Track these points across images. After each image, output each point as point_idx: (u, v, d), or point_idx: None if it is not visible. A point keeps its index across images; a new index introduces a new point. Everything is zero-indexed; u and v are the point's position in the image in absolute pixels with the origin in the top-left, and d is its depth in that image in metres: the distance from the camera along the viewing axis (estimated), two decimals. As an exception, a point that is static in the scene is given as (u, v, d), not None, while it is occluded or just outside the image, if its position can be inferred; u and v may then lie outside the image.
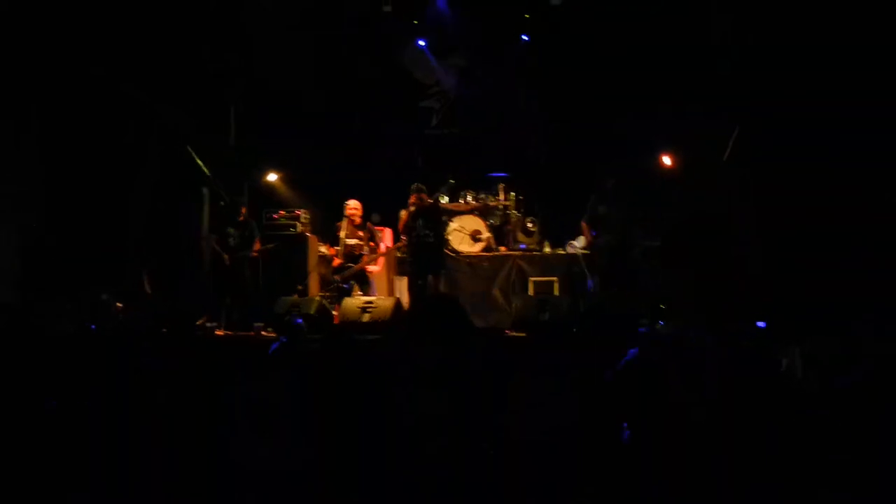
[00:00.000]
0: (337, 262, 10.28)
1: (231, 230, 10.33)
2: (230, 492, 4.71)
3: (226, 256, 10.20)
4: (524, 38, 13.09)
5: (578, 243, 11.08)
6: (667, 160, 11.20)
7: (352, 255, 10.26)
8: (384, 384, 3.26)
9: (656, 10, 11.19)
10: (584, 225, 10.30)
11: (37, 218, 10.18)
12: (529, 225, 11.81)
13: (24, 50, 9.96)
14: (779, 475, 3.52)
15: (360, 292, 10.16)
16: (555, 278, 10.69)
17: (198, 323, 9.40)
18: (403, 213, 10.02)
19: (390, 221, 11.06)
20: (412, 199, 9.92)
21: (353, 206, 10.29)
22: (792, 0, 9.76)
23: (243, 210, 10.53)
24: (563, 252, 11.34)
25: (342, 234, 10.25)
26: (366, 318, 9.16)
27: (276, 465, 4.74)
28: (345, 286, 10.22)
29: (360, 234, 10.33)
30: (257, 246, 10.44)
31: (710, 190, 10.47)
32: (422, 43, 13.38)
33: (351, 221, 10.28)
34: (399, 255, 11.05)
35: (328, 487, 3.36)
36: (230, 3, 11.53)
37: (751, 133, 9.96)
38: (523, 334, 8.83)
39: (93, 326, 7.04)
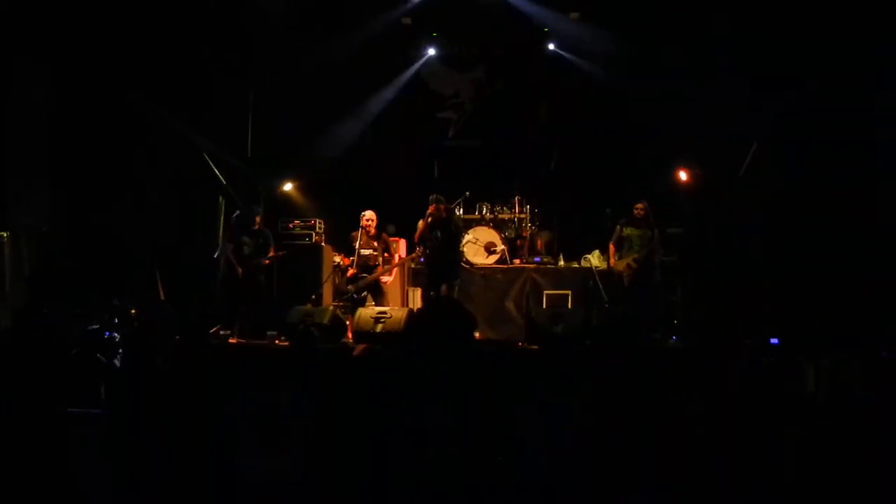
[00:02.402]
0: (351, 272, 10.26)
1: (246, 238, 10.36)
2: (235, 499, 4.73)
3: (237, 266, 10.21)
4: (550, 47, 13.12)
5: (593, 258, 11.09)
6: (683, 175, 11.18)
7: (366, 266, 10.24)
8: (390, 394, 3.26)
9: (672, 20, 11.21)
10: (611, 246, 10.33)
11: (47, 222, 10.22)
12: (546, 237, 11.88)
13: (40, 53, 10.05)
14: (780, 486, 3.50)
15: (373, 302, 10.16)
16: (568, 291, 10.66)
17: (211, 331, 9.42)
18: (421, 223, 10.03)
19: (405, 232, 11.07)
20: (430, 209, 9.93)
21: (368, 216, 10.27)
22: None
23: (258, 219, 10.55)
24: (577, 265, 11.35)
25: (357, 244, 10.23)
26: (379, 328, 9.14)
27: (280, 476, 4.75)
28: (356, 297, 10.19)
29: (375, 244, 10.31)
30: (272, 251, 10.46)
31: (727, 204, 10.44)
32: (438, 53, 13.43)
33: (366, 232, 10.26)
34: (413, 265, 11.05)
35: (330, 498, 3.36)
36: (245, 12, 11.59)
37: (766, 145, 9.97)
38: (536, 347, 8.80)
39: (107, 333, 7.06)
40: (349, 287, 10.24)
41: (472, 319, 3.41)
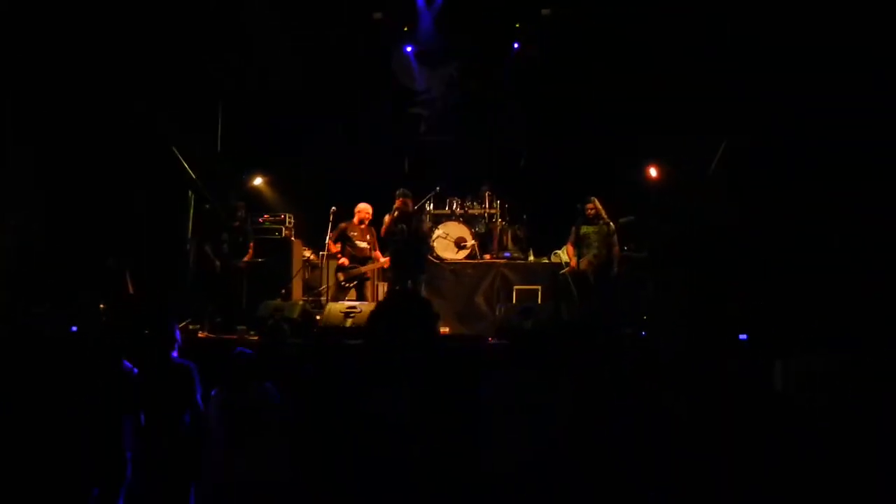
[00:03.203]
0: (344, 261, 10.15)
1: (225, 235, 10.18)
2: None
3: (216, 262, 10.02)
4: (515, 45, 13.17)
5: (563, 253, 11.12)
6: (653, 171, 11.24)
7: (362, 259, 10.20)
8: (362, 388, 3.23)
9: (645, 19, 11.24)
10: (570, 247, 10.36)
11: (24, 221, 10.09)
12: (516, 233, 11.92)
13: (14, 52, 9.92)
14: (764, 489, 3.52)
15: (355, 294, 10.12)
16: (538, 287, 10.68)
17: (180, 325, 9.31)
18: (387, 218, 10.00)
19: (375, 227, 11.03)
20: (397, 204, 9.93)
21: (366, 209, 10.20)
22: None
23: (238, 214, 10.38)
24: (547, 261, 11.38)
25: (354, 234, 10.13)
26: (349, 322, 9.11)
27: (257, 475, 4.74)
28: (346, 286, 10.13)
29: (368, 237, 10.26)
30: (250, 254, 10.30)
31: (697, 201, 10.50)
32: (410, 49, 13.43)
33: (360, 224, 10.20)
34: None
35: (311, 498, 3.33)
36: (219, 6, 11.48)
37: (738, 143, 10.02)
38: (505, 342, 8.80)
39: (73, 328, 6.97)
40: (339, 275, 10.16)
41: (432, 313, 3.38)
